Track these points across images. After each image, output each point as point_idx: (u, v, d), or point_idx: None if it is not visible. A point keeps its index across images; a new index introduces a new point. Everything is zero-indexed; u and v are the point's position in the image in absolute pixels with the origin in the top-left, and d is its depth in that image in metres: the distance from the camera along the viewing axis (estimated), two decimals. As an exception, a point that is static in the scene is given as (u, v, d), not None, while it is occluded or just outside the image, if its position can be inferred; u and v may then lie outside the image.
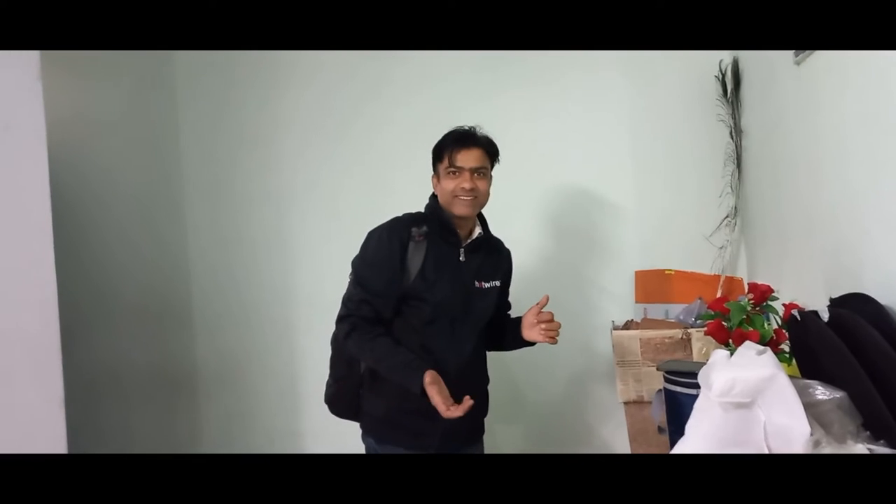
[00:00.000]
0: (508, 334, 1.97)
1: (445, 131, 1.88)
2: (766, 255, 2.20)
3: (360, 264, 1.87)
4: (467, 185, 1.80)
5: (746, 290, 1.73)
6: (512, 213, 2.62)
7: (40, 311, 1.89)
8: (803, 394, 1.12)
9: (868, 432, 1.09)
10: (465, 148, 1.82)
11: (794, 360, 1.45)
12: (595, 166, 2.58)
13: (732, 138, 2.40)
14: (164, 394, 2.87)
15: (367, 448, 1.91)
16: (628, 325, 2.36)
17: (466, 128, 1.86)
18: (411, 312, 1.81)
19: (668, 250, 2.52)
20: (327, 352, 2.04)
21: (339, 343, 1.90)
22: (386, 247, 1.81)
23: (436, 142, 1.88)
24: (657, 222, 2.55)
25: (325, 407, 2.01)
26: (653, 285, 2.51)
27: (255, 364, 2.82)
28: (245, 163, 2.79)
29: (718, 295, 2.35)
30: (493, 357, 1.98)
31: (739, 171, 2.39)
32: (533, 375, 2.53)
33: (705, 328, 1.75)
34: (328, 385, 2.00)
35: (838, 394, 1.15)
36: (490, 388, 1.95)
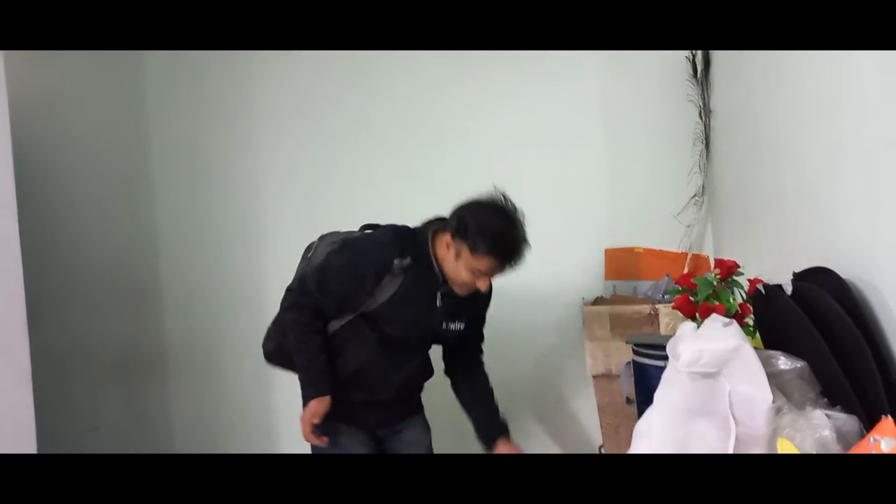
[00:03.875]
0: (475, 416, 1.94)
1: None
2: (731, 233, 2.25)
3: (325, 268, 1.80)
4: (483, 287, 1.77)
5: (713, 266, 1.77)
6: (483, 190, 2.64)
7: (5, 287, 1.86)
8: (766, 364, 1.17)
9: (826, 399, 1.14)
10: (503, 265, 1.75)
11: (757, 333, 1.51)
12: (566, 146, 2.61)
13: (702, 118, 2.44)
14: (134, 372, 2.84)
15: None
16: (598, 302, 2.41)
17: (514, 238, 1.73)
18: (365, 326, 1.79)
19: (637, 228, 2.56)
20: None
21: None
22: (359, 274, 1.75)
23: (476, 216, 1.71)
24: (627, 201, 2.59)
25: (296, 385, 2.02)
26: (622, 263, 2.55)
27: (226, 343, 2.80)
28: (219, 141, 2.75)
29: (685, 271, 2.41)
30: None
31: (708, 151, 2.44)
32: (504, 350, 2.55)
33: (672, 303, 1.79)
34: (268, 338, 2.03)
35: (799, 363, 1.19)
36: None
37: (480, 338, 1.98)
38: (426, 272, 1.76)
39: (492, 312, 2.59)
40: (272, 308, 2.72)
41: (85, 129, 2.64)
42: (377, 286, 1.75)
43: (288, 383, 2.09)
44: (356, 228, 1.98)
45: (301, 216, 2.72)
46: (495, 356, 2.38)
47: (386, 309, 1.77)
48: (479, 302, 1.88)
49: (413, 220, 2.62)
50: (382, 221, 2.46)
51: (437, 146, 2.66)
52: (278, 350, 1.95)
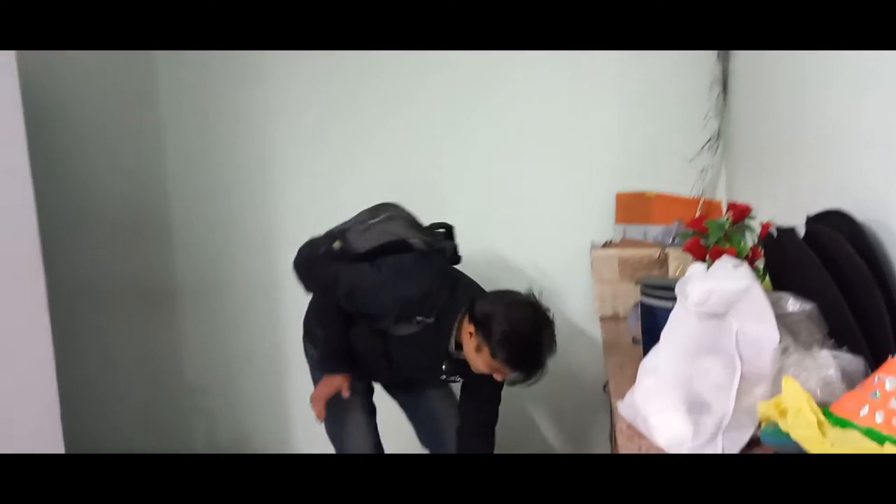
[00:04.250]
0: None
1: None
2: (745, 178, 2.23)
3: (355, 286, 1.81)
4: (499, 378, 1.76)
5: (725, 211, 1.77)
6: (496, 132, 2.61)
7: (20, 224, 1.87)
8: (775, 305, 1.17)
9: (833, 340, 1.15)
10: (522, 376, 1.74)
11: (767, 277, 1.51)
12: (579, 89, 2.56)
13: (719, 60, 2.38)
14: (146, 308, 2.89)
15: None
16: (607, 245, 2.41)
17: (537, 352, 1.71)
18: (376, 334, 1.85)
19: (649, 173, 2.54)
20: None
21: (303, 268, 1.97)
22: (382, 307, 1.78)
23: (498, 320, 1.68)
24: (640, 145, 2.55)
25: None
26: (633, 207, 2.54)
27: (236, 279, 2.83)
28: (230, 73, 2.70)
29: (697, 216, 2.39)
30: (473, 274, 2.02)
31: (725, 95, 2.39)
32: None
33: (683, 246, 1.79)
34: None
35: (808, 305, 1.20)
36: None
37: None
38: (443, 337, 1.77)
39: (502, 256, 2.62)
40: (281, 244, 2.76)
41: (94, 66, 2.62)
42: (394, 324, 1.79)
43: (298, 319, 2.12)
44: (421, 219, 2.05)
45: (312, 152, 2.71)
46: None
47: (396, 341, 1.82)
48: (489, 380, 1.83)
49: (435, 167, 2.61)
50: (408, 177, 2.45)
51: (452, 84, 2.61)
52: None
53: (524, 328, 1.68)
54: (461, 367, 1.81)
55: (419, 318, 1.76)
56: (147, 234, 2.85)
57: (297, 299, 2.06)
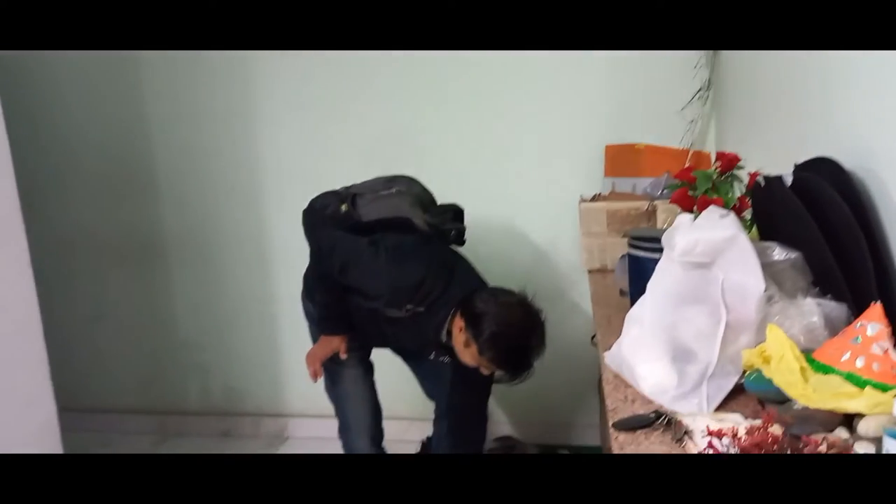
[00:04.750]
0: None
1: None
2: (735, 128, 2.21)
3: (348, 262, 1.80)
4: (486, 373, 1.77)
5: (714, 161, 1.75)
6: (482, 86, 2.57)
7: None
8: (761, 254, 1.18)
9: (818, 289, 1.16)
10: (508, 374, 1.75)
11: (754, 227, 1.51)
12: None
13: (712, 7, 2.33)
14: (136, 261, 2.88)
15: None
16: (596, 198, 2.40)
17: (524, 354, 1.73)
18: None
19: (639, 124, 2.51)
20: (294, 219, 2.04)
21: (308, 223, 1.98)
22: (371, 289, 1.79)
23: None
24: (629, 96, 2.52)
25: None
26: (622, 159, 2.52)
27: (225, 231, 2.81)
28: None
29: (686, 167, 2.38)
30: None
31: (716, 43, 2.35)
32: (502, 245, 2.58)
33: (671, 198, 1.78)
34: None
35: (793, 254, 1.20)
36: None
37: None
38: (432, 327, 1.78)
39: (489, 208, 2.60)
40: (269, 197, 2.74)
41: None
42: (385, 307, 1.80)
43: (289, 272, 2.12)
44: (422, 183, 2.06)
45: (298, 101, 2.65)
46: (493, 252, 2.41)
47: (386, 320, 1.83)
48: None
49: (420, 121, 2.56)
50: (393, 133, 2.41)
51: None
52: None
53: (514, 330, 1.71)
54: (451, 352, 1.82)
55: (409, 307, 1.77)
56: (134, 188, 2.82)
57: (288, 251, 2.07)
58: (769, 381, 0.96)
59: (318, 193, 2.04)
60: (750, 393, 1.09)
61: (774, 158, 1.67)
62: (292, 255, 2.13)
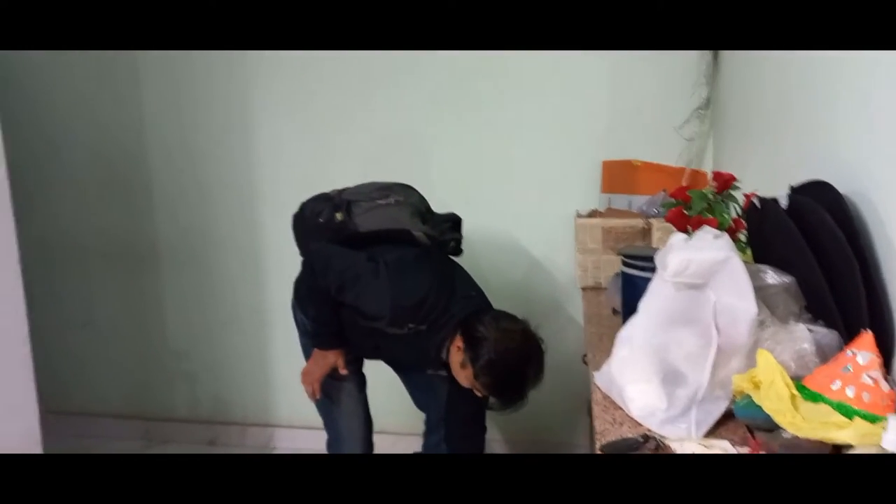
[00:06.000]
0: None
1: None
2: (733, 148, 2.20)
3: (346, 282, 1.75)
4: (479, 395, 1.74)
5: (710, 181, 1.74)
6: (480, 100, 2.56)
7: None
8: (754, 278, 1.16)
9: (810, 315, 1.14)
10: (501, 402, 1.74)
11: (749, 250, 1.49)
12: (566, 54, 2.48)
13: (712, 27, 2.33)
14: (126, 267, 2.86)
15: None
16: (592, 215, 2.39)
17: (519, 384, 1.70)
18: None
19: (636, 141, 2.50)
20: (289, 226, 2.02)
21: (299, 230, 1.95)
22: (369, 310, 1.74)
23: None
24: (627, 112, 2.51)
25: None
26: (619, 176, 2.51)
27: (218, 238, 2.79)
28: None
29: (682, 186, 2.37)
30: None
31: (716, 61, 2.35)
32: (495, 259, 2.56)
33: (665, 216, 1.77)
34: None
35: (787, 278, 1.19)
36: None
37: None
38: (431, 346, 1.75)
39: (486, 222, 2.59)
40: (263, 203, 2.73)
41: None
42: (385, 326, 1.75)
43: (281, 280, 2.08)
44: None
45: (294, 105, 2.64)
46: (487, 265, 2.39)
47: (383, 337, 1.78)
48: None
49: (417, 134, 2.54)
50: (389, 144, 2.38)
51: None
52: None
53: (512, 359, 1.66)
54: (448, 367, 1.79)
55: (411, 325, 1.73)
56: (125, 192, 2.80)
57: (281, 259, 2.03)
58: (759, 408, 0.94)
59: (308, 198, 1.99)
60: (739, 419, 1.07)
61: (771, 179, 1.66)
62: (286, 262, 2.10)
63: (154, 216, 2.81)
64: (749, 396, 0.99)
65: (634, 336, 1.22)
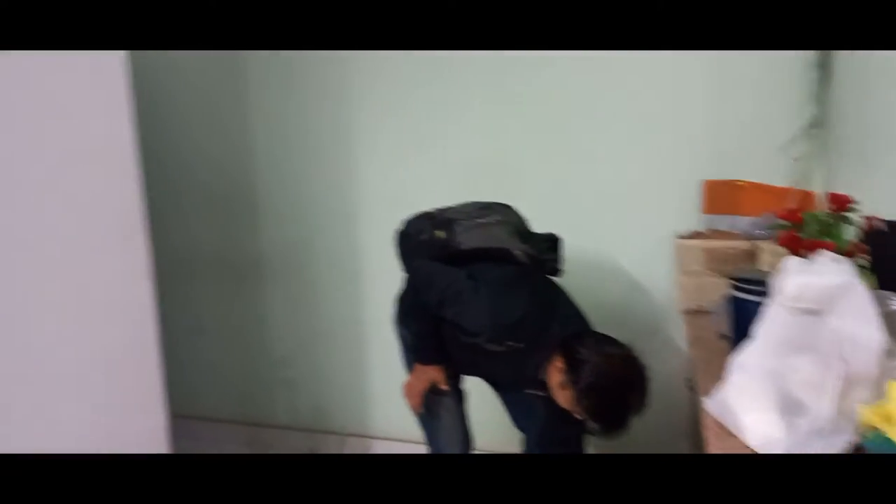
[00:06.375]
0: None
1: None
2: (846, 169, 2.11)
3: (447, 298, 1.79)
4: (577, 417, 1.71)
5: (821, 203, 1.68)
6: (577, 114, 2.56)
7: (124, 196, 1.96)
8: (879, 304, 1.12)
9: (943, 345, 1.09)
10: (601, 429, 1.70)
11: (870, 274, 1.43)
12: (664, 69, 2.44)
13: (822, 43, 2.25)
14: (234, 278, 3.01)
15: None
16: (693, 236, 2.34)
17: (621, 414, 1.65)
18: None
19: (739, 161, 2.42)
20: (386, 242, 2.08)
21: (402, 247, 2.00)
22: (470, 326, 1.78)
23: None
24: (727, 130, 2.44)
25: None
26: (721, 196, 2.44)
27: (318, 253, 2.90)
28: (313, 53, 2.75)
29: (792, 207, 2.28)
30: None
31: (827, 78, 2.26)
32: (594, 279, 2.54)
33: (777, 239, 1.72)
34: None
35: (917, 306, 1.14)
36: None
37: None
38: (530, 365, 1.75)
39: (584, 243, 2.58)
40: (363, 220, 2.82)
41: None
42: (484, 343, 1.78)
43: (379, 295, 2.15)
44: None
45: (394, 132, 2.72)
46: (585, 285, 2.38)
47: (483, 353, 1.80)
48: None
49: (511, 151, 2.57)
50: (485, 162, 2.41)
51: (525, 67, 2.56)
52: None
53: (614, 385, 1.62)
54: (546, 387, 1.78)
55: (510, 343, 1.75)
56: (236, 207, 2.95)
57: (379, 274, 2.08)
58: (893, 443, 0.91)
59: (411, 216, 2.06)
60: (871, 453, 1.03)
61: (889, 204, 1.59)
62: (383, 279, 2.15)
63: (259, 231, 2.97)
64: (880, 431, 0.95)
65: (751, 363, 1.19)
